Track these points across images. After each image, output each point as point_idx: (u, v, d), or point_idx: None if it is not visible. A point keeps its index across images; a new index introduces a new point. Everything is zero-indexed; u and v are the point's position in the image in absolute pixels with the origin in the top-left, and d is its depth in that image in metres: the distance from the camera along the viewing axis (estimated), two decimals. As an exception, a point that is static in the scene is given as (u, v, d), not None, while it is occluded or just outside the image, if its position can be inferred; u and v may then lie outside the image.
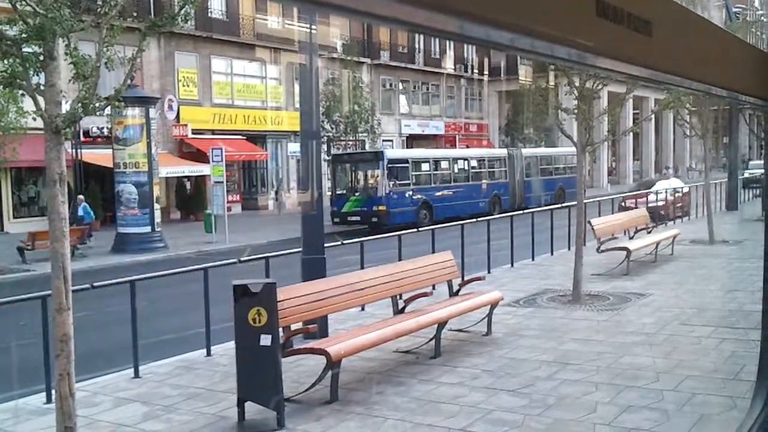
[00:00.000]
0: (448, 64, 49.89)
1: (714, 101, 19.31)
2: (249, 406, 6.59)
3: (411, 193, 27.92)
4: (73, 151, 25.61)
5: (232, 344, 7.32)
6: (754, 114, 28.81)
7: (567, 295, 11.80)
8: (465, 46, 50.47)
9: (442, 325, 8.65)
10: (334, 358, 6.90)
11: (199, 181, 32.37)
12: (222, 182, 24.35)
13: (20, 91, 6.16)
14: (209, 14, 34.49)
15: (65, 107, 5.72)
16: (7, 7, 5.69)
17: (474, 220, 16.48)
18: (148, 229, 22.23)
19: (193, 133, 32.57)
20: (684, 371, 7.62)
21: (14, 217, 27.68)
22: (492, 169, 33.40)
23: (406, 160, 29.07)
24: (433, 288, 10.03)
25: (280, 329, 6.72)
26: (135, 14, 7.60)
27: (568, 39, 0.84)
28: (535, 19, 0.79)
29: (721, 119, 24.31)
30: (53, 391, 6.17)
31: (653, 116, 46.36)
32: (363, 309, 10.81)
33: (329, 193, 27.18)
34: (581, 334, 9.51)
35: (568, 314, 10.76)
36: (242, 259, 10.56)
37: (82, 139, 26.66)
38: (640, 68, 1.02)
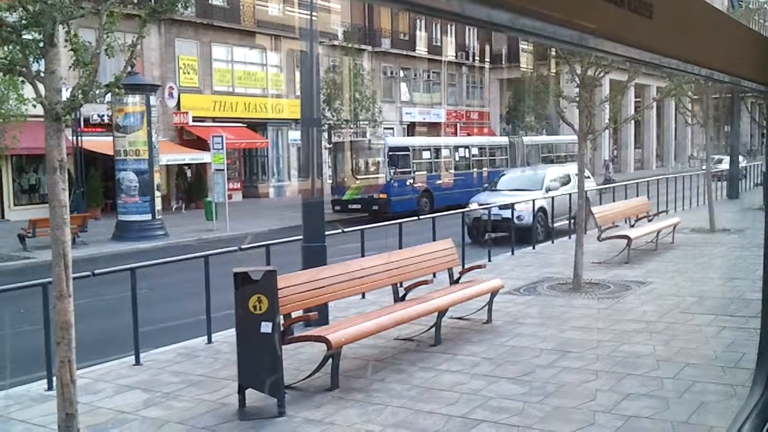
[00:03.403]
0: (450, 52, 49.72)
1: (715, 89, 19.27)
2: (250, 393, 6.61)
3: (412, 181, 27.91)
4: (74, 138, 25.56)
5: (232, 331, 7.34)
6: (756, 102, 28.73)
7: (567, 283, 11.81)
8: (466, 33, 50.35)
9: (442, 312, 8.67)
10: (335, 346, 6.91)
11: (200, 168, 32.35)
12: (223, 170, 24.34)
13: (20, 78, 6.15)
14: (210, 1, 34.37)
15: (65, 94, 5.70)
16: (6, -7, 5.67)
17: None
18: (148, 216, 22.22)
19: (193, 121, 32.50)
20: (684, 359, 7.63)
21: (15, 205, 27.68)
22: (493, 157, 33.39)
23: (407, 148, 29.04)
24: (434, 276, 10.04)
25: (281, 317, 6.72)
26: (135, 1, 7.58)
27: (570, 20, 0.83)
28: None
29: (723, 107, 24.24)
30: (54, 378, 6.18)
31: (655, 104, 46.25)
32: (363, 297, 10.83)
33: (330, 181, 27.19)
34: (581, 322, 9.52)
35: (569, 302, 10.77)
36: (243, 246, 10.55)
37: (82, 126, 26.61)
38: (641, 51, 1.02)
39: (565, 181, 20.58)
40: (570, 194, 17.85)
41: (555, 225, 18.20)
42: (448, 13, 0.75)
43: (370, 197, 26.44)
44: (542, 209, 18.06)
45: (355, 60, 35.92)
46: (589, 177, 22.53)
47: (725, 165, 33.23)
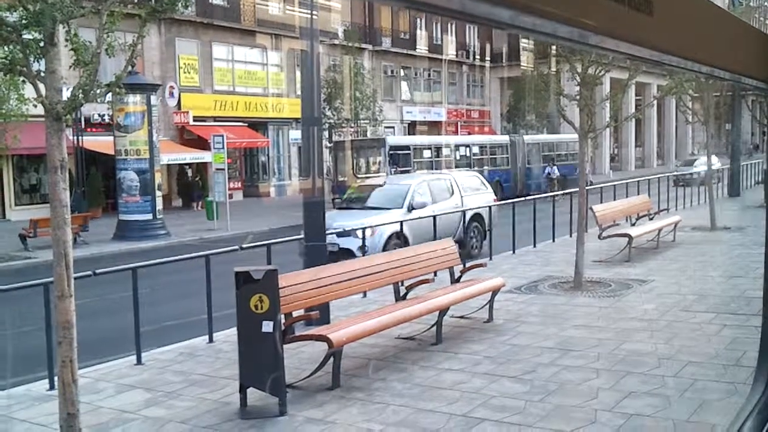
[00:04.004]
0: (450, 51, 49.72)
1: (716, 86, 19.25)
2: (251, 392, 6.61)
3: None
4: (75, 138, 25.57)
5: (234, 331, 7.34)
6: (757, 100, 28.70)
7: (568, 281, 11.80)
8: (467, 31, 50.32)
9: (443, 311, 8.66)
10: (336, 345, 6.91)
11: (201, 168, 32.35)
12: (223, 169, 24.35)
13: (21, 78, 6.14)
14: (210, 0, 34.38)
15: (66, 94, 5.70)
16: (7, -7, 5.67)
17: (476, 207, 16.45)
18: (149, 216, 22.24)
19: (194, 120, 32.52)
20: (685, 357, 7.63)
21: (16, 205, 27.69)
22: (494, 156, 33.42)
23: (407, 147, 29.06)
24: (435, 275, 10.04)
25: (282, 316, 6.72)
26: (135, 0, 7.59)
27: (570, 17, 0.83)
28: None
29: (723, 105, 24.18)
30: (56, 378, 6.19)
31: (655, 102, 46.23)
32: (365, 296, 10.83)
33: (328, 178, 27.20)
34: (582, 321, 9.52)
35: (570, 301, 10.76)
36: (244, 246, 10.55)
37: (83, 126, 26.63)
38: (641, 48, 1.02)
39: (444, 194, 16.27)
40: (434, 216, 13.62)
41: None
42: (448, 10, 0.75)
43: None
44: (399, 235, 13.79)
45: (355, 59, 35.94)
46: (486, 188, 18.03)
47: (699, 167, 31.06)
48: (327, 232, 11.94)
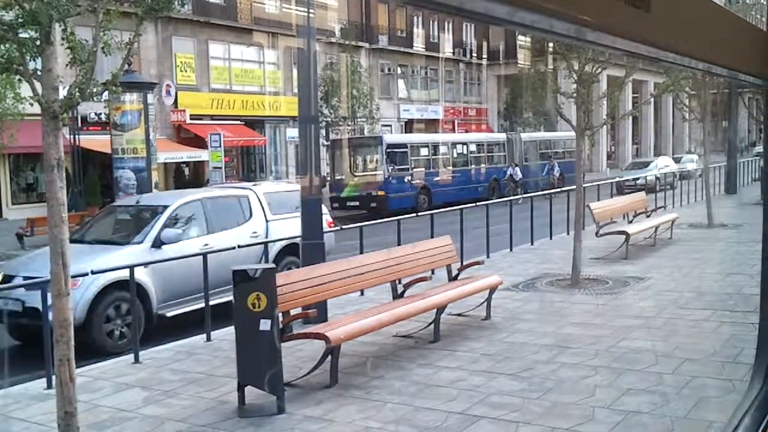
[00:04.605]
0: (447, 48, 49.68)
1: (713, 84, 19.27)
2: (249, 390, 6.61)
3: (410, 177, 27.93)
4: (71, 136, 25.54)
5: (231, 329, 7.34)
6: (754, 97, 28.72)
7: (566, 279, 11.81)
8: (463, 29, 50.32)
9: (441, 309, 8.67)
10: (334, 343, 6.91)
11: (198, 166, 32.29)
12: (220, 168, 24.33)
13: (17, 77, 6.13)
14: (206, -1, 34.37)
15: (62, 92, 5.69)
16: (2, -9, 5.65)
17: (473, 204, 16.47)
18: (147, 214, 22.19)
19: (191, 119, 32.46)
20: (683, 354, 7.64)
21: (13, 204, 27.66)
22: (491, 154, 33.42)
23: (404, 145, 29.07)
24: (432, 273, 10.04)
25: (280, 314, 6.72)
26: (132, -2, 7.60)
27: (567, 13, 0.83)
28: None
29: (720, 102, 24.17)
30: (53, 377, 6.18)
31: (652, 100, 46.27)
32: (362, 294, 10.82)
33: (328, 179, 27.24)
34: (580, 318, 9.52)
35: (567, 298, 10.77)
36: (241, 244, 10.55)
37: (80, 124, 26.58)
38: (638, 44, 1.02)
39: (234, 220, 11.47)
40: (201, 256, 9.24)
41: (172, 313, 9.95)
42: (446, 6, 0.75)
43: (368, 194, 26.45)
44: (132, 286, 8.43)
45: (352, 57, 35.95)
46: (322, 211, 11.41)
47: (650, 171, 30.46)
48: (11, 284, 8.93)
